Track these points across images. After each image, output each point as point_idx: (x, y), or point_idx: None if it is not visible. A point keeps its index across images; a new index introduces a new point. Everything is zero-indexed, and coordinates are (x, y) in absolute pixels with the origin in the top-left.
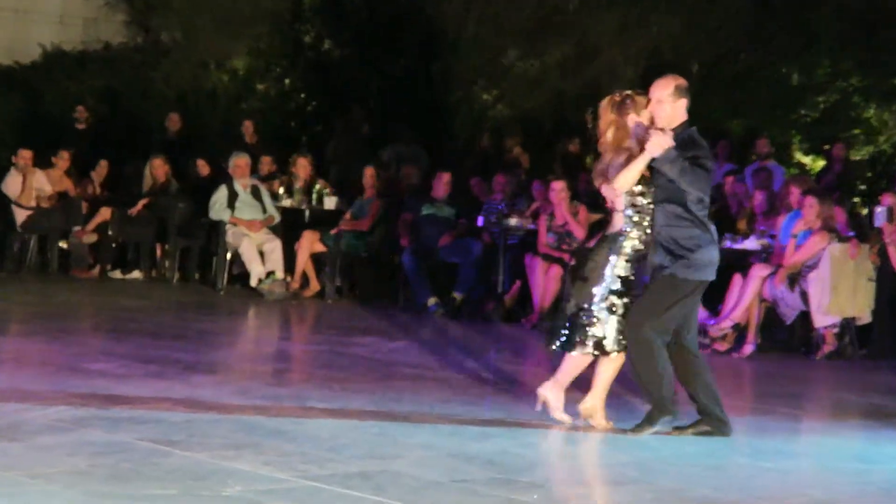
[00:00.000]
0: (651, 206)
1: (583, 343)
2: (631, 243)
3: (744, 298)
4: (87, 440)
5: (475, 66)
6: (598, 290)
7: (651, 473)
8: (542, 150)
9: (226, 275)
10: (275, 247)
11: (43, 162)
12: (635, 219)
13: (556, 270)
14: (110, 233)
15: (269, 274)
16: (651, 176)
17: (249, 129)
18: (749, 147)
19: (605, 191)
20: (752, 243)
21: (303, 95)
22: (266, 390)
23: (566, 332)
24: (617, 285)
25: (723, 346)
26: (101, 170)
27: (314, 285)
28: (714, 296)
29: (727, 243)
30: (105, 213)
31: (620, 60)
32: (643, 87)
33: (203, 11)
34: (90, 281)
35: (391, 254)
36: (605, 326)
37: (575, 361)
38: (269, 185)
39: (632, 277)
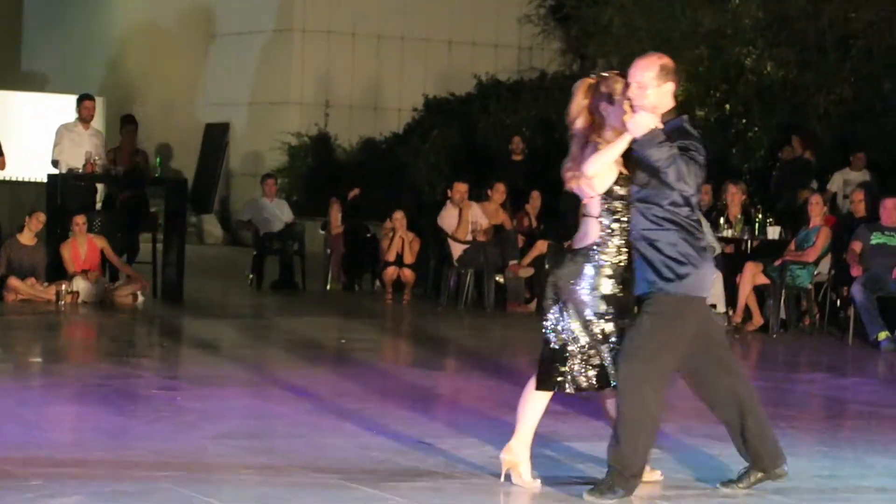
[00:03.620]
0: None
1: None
2: (610, 257)
3: None
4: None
5: None
6: (580, 318)
7: None
8: None
9: None
10: (715, 279)
11: (478, 194)
12: (613, 227)
13: None
14: (547, 266)
15: (711, 307)
16: (630, 171)
17: None
18: None
19: (580, 190)
20: None
21: (744, 121)
22: (710, 429)
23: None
24: (603, 307)
25: None
26: (535, 202)
27: (757, 319)
28: None
29: None
30: (541, 247)
31: None
32: None
33: (640, 36)
34: (527, 316)
35: (840, 285)
36: (603, 356)
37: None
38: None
39: (620, 295)
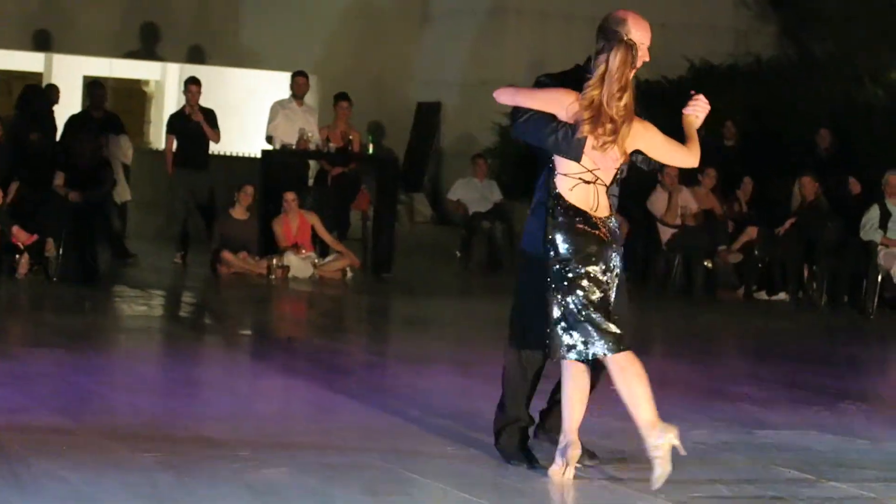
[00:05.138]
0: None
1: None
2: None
3: None
4: (731, 466)
5: None
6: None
7: None
8: None
9: (876, 298)
10: None
11: (688, 179)
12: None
13: None
14: (756, 253)
15: None
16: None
17: None
18: None
19: (613, 156)
20: None
21: None
22: None
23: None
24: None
25: None
26: (747, 187)
27: None
28: None
29: None
30: (751, 233)
31: None
32: None
33: (859, 21)
34: (735, 302)
35: None
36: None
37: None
38: None
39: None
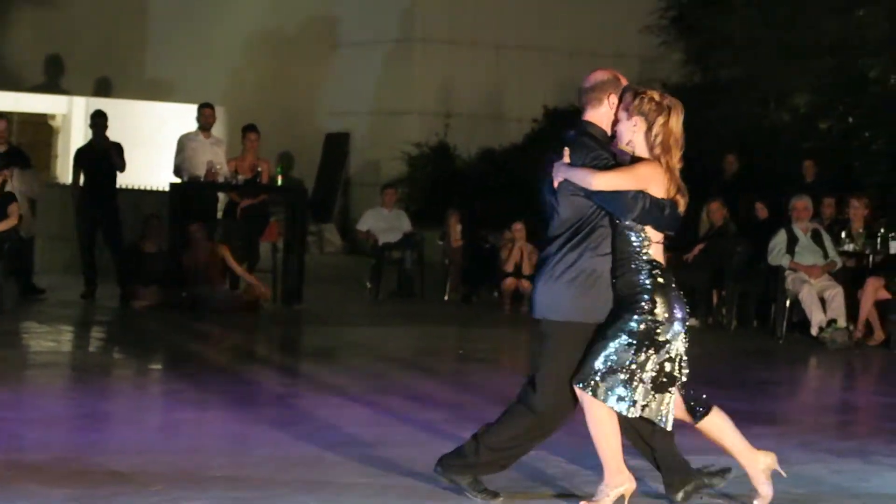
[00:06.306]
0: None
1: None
2: None
3: None
4: (642, 493)
5: None
6: None
7: None
8: None
9: (785, 322)
10: (836, 293)
11: None
12: None
13: None
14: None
15: (831, 322)
16: None
17: (810, 170)
18: None
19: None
20: None
21: (867, 133)
22: (829, 444)
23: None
24: None
25: None
26: None
27: (878, 334)
28: None
29: None
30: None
31: None
32: None
33: (765, 47)
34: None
35: None
36: None
37: None
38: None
39: None
